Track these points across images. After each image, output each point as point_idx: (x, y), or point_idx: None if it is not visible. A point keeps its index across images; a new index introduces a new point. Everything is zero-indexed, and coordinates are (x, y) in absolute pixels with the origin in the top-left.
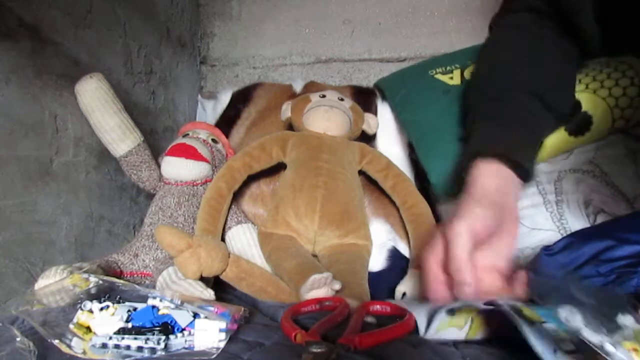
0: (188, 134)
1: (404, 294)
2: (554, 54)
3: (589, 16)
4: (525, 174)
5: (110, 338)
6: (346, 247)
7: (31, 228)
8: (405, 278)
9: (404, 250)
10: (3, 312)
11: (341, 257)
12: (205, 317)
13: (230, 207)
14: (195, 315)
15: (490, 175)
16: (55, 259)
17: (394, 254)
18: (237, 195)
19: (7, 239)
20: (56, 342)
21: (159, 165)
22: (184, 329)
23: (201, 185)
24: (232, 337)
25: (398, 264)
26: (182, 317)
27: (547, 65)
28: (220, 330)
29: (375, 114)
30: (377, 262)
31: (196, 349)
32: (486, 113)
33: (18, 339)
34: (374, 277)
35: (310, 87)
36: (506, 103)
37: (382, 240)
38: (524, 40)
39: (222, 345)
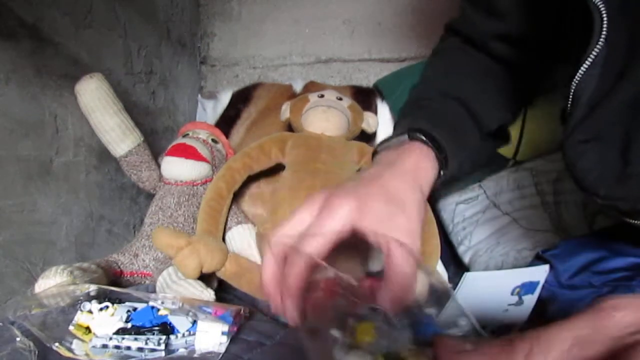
0: (188, 134)
1: None
2: (486, 71)
3: (497, 47)
4: (443, 160)
5: (111, 339)
6: (346, 249)
7: (31, 228)
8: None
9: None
10: (3, 312)
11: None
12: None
13: (230, 208)
14: (195, 322)
15: (408, 152)
16: (55, 259)
17: None
18: (237, 196)
19: (7, 239)
20: (56, 345)
21: (159, 165)
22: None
23: (201, 185)
24: (233, 337)
25: None
26: (180, 323)
27: (478, 79)
28: (222, 334)
29: (376, 113)
30: (377, 262)
31: (197, 350)
32: (415, 107)
33: (18, 339)
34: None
35: (310, 87)
36: (434, 102)
37: None
38: (459, 55)
39: (222, 349)
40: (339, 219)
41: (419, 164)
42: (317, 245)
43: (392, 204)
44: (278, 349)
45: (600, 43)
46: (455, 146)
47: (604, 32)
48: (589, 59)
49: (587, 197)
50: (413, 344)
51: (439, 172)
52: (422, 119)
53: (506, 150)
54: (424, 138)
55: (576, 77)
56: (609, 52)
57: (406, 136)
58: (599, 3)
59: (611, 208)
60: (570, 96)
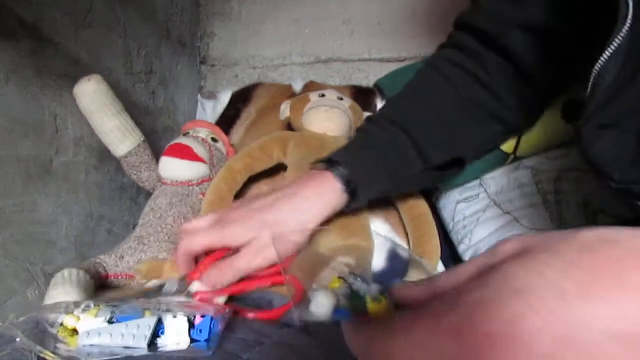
0: (189, 133)
1: None
2: (455, 100)
3: (518, 36)
4: (346, 182)
5: (99, 334)
6: (349, 249)
7: (31, 228)
8: (406, 278)
9: (404, 250)
10: (3, 312)
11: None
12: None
13: None
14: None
15: (314, 179)
16: (55, 259)
17: (394, 254)
18: (237, 196)
19: (7, 239)
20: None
21: (159, 166)
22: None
23: (197, 186)
24: (232, 337)
25: (398, 265)
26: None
27: (440, 109)
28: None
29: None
30: (378, 262)
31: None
32: (360, 130)
33: (19, 340)
34: (373, 277)
35: (310, 87)
36: (374, 126)
37: (382, 240)
38: (433, 79)
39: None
40: (198, 240)
41: (319, 193)
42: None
43: (261, 225)
44: (277, 348)
45: (625, 29)
46: (378, 175)
47: (630, 20)
48: (612, 47)
49: (601, 181)
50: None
51: (349, 198)
52: (350, 149)
53: (506, 146)
54: (335, 172)
55: (598, 63)
56: (633, 40)
57: (324, 165)
58: None
59: (625, 192)
60: (591, 82)
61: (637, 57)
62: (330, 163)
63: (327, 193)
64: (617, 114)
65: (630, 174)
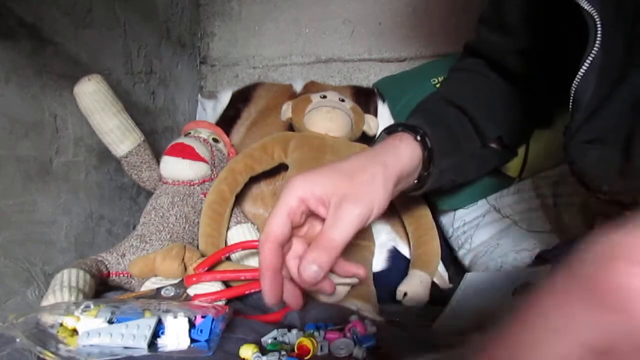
0: (190, 133)
1: (405, 294)
2: (495, 89)
3: (512, 57)
4: (427, 154)
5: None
6: (349, 248)
7: (31, 228)
8: (407, 278)
9: (405, 250)
10: (3, 312)
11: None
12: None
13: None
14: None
15: (390, 139)
16: (55, 259)
17: (395, 254)
18: (238, 196)
19: (7, 239)
20: (39, 350)
21: (159, 165)
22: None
23: (198, 185)
24: (232, 337)
25: (399, 264)
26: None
27: (483, 93)
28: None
29: (375, 114)
30: (378, 262)
31: (168, 347)
32: (415, 110)
33: (18, 340)
34: (374, 277)
35: (311, 87)
36: (435, 107)
37: (382, 241)
38: (470, 74)
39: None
40: (287, 194)
41: (395, 147)
42: (274, 223)
43: (339, 175)
44: None
45: (595, 49)
46: (447, 145)
47: (599, 39)
48: (586, 64)
49: (590, 193)
50: None
51: (425, 165)
52: (418, 119)
53: (512, 172)
54: (411, 131)
55: (575, 81)
56: (606, 57)
57: (398, 128)
58: (592, 11)
59: (614, 203)
60: (571, 100)
61: (613, 73)
62: (406, 127)
63: (405, 151)
64: (600, 130)
65: (617, 185)
